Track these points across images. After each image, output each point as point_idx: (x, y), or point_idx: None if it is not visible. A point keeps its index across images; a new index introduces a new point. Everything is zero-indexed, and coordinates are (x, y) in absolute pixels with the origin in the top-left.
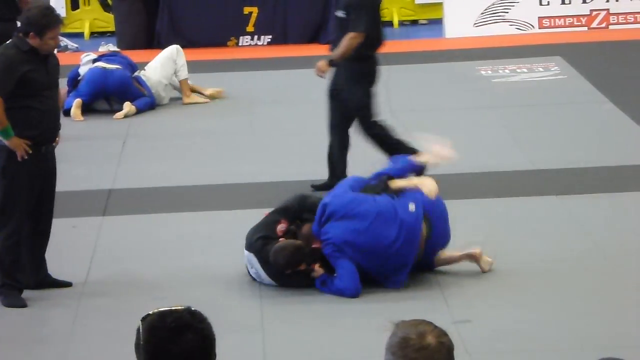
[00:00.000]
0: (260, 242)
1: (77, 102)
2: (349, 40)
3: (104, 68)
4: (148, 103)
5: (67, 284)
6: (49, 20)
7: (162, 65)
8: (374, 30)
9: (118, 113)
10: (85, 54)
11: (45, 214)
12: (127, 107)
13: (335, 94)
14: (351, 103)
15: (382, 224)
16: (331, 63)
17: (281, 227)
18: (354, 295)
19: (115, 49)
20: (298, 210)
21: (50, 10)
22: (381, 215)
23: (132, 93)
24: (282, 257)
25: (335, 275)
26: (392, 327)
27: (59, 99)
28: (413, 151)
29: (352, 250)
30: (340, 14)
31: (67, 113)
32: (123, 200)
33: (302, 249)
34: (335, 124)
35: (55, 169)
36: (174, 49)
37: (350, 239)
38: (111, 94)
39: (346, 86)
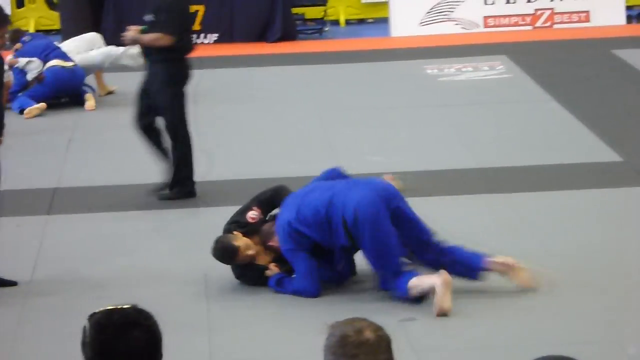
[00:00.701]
0: (229, 227)
1: (42, 106)
2: (156, 37)
3: (64, 67)
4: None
5: (12, 283)
6: None
7: (76, 48)
8: (184, 35)
9: (90, 104)
10: (11, 56)
11: None
12: (91, 98)
13: (146, 94)
14: (160, 104)
15: (318, 191)
16: (140, 42)
17: (252, 214)
18: (314, 295)
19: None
20: (271, 199)
21: (0, 9)
22: (319, 186)
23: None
24: (214, 250)
25: (293, 275)
26: (327, 329)
27: (3, 98)
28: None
29: (299, 226)
30: (149, 17)
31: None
32: (68, 198)
33: (232, 248)
34: (147, 124)
35: None
36: (95, 36)
37: (293, 214)
38: (72, 91)
39: (156, 87)
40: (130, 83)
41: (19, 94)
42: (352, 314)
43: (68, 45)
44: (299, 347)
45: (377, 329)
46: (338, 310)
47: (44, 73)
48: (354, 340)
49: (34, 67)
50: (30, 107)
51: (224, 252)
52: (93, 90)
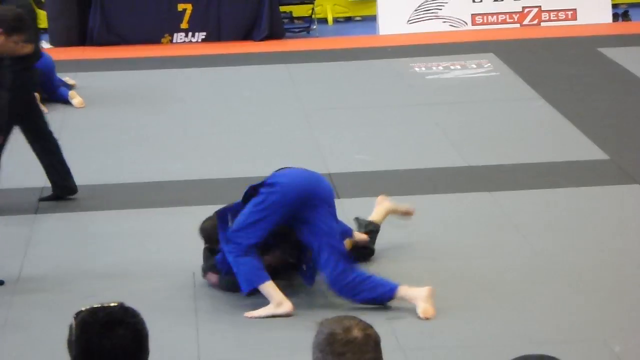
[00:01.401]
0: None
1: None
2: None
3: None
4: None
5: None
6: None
7: None
8: (35, 43)
9: (79, 100)
10: None
11: None
12: (76, 94)
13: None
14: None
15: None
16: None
17: None
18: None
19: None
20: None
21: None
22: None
23: (56, 80)
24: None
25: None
26: (316, 326)
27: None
28: None
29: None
30: None
31: None
32: None
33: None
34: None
35: None
36: None
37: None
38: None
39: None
40: (117, 82)
41: None
42: (343, 311)
43: None
44: (288, 344)
45: (366, 327)
46: (328, 307)
47: None
48: (341, 339)
49: None
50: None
51: (213, 230)
52: (67, 85)
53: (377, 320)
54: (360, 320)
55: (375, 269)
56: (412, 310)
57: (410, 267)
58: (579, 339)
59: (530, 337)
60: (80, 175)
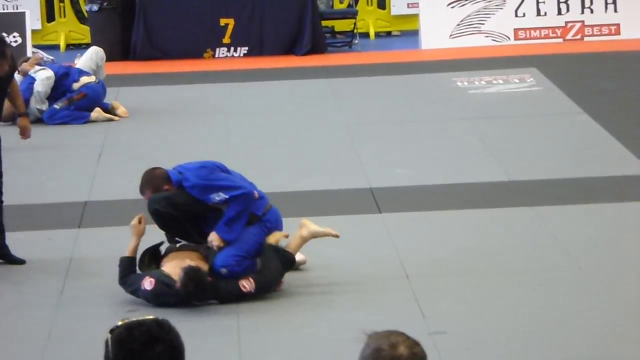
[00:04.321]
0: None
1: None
2: None
3: (96, 82)
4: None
5: (21, 262)
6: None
7: (84, 63)
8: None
9: (123, 110)
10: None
11: None
12: (119, 104)
13: None
14: None
15: None
16: None
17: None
18: (251, 191)
19: (49, 57)
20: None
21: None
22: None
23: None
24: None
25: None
26: (364, 338)
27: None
28: None
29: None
30: None
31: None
32: (99, 212)
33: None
34: None
35: None
36: (92, 50)
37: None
38: (102, 104)
39: None
40: (160, 96)
41: (57, 107)
42: (377, 325)
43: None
44: (329, 353)
45: (413, 345)
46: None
47: (83, 90)
48: (387, 355)
49: (43, 75)
50: (95, 114)
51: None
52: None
53: (420, 335)
54: (408, 337)
55: (415, 284)
56: (453, 324)
57: (452, 283)
58: (625, 356)
59: (573, 355)
60: (123, 190)
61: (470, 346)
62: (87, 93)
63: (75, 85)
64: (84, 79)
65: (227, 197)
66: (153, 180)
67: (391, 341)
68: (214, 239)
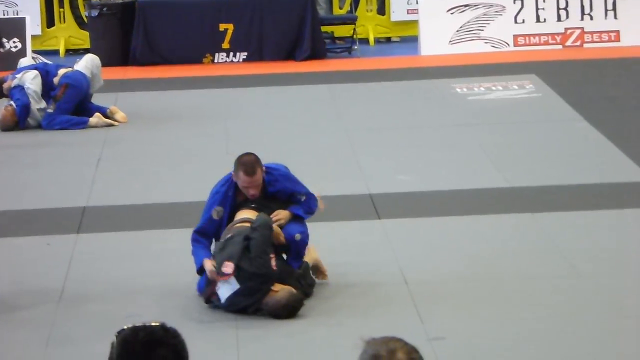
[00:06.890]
0: None
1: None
2: None
3: (74, 70)
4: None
5: None
6: None
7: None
8: None
9: (122, 115)
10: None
11: None
12: (117, 109)
13: None
14: None
15: None
16: None
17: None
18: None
19: (40, 58)
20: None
21: None
22: None
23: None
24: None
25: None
26: (362, 344)
27: None
28: None
29: None
30: None
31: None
32: (97, 217)
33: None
34: None
35: None
36: (87, 57)
37: None
38: (88, 96)
39: None
40: (159, 102)
41: (51, 110)
42: (376, 331)
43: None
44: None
45: (411, 351)
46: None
47: (63, 82)
48: None
49: (29, 76)
50: (94, 119)
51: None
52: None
53: (418, 341)
54: (406, 343)
55: (414, 290)
56: (452, 330)
57: (450, 289)
58: None
59: None
60: (123, 195)
61: (469, 352)
62: (68, 83)
63: (55, 80)
64: (61, 71)
65: (308, 191)
66: (258, 160)
67: (389, 347)
68: (282, 216)
